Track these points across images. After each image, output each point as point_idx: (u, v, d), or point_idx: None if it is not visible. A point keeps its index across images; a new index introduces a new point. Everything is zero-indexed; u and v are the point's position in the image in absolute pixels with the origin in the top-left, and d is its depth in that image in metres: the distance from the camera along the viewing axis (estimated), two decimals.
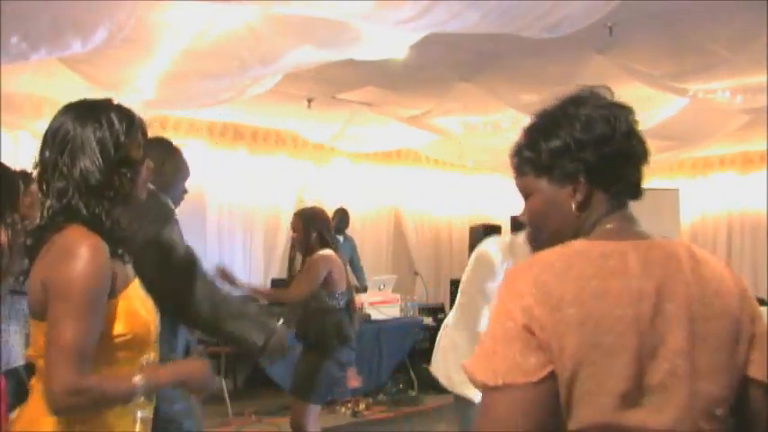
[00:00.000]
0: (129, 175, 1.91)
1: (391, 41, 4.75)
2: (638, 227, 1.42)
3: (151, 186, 2.71)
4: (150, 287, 2.05)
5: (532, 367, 1.23)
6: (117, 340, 1.88)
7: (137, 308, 1.95)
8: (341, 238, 8.03)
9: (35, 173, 1.94)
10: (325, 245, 4.64)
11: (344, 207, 8.45)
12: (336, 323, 4.57)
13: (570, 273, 1.28)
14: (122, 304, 1.92)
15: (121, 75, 5.03)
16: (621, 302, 1.26)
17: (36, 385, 1.91)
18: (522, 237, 3.54)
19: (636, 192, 1.44)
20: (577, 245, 1.35)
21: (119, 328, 1.89)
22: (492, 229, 10.08)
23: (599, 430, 1.26)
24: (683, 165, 11.15)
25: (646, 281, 1.29)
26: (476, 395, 3.51)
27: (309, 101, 7.33)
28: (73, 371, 1.77)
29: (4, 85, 4.96)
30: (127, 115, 1.94)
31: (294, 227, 4.77)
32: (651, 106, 7.03)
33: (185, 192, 3.02)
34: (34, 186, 3.13)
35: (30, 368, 2.26)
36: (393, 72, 6.27)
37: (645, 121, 7.17)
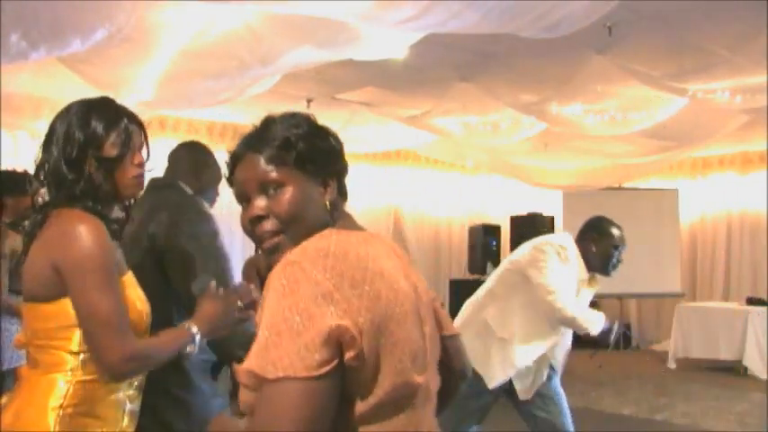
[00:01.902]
0: (102, 170, 1.95)
1: (391, 42, 4.75)
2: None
3: (189, 190, 2.73)
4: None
5: (317, 361, 1.27)
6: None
7: (132, 296, 1.99)
8: None
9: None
10: None
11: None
12: None
13: (349, 257, 1.38)
14: (125, 283, 1.98)
15: (121, 75, 5.03)
16: (396, 279, 1.42)
17: (27, 374, 1.92)
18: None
19: (346, 198, 1.67)
20: (342, 234, 1.47)
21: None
22: (491, 230, 10.10)
23: (400, 390, 1.38)
24: (682, 165, 11.17)
25: (398, 261, 1.50)
26: None
27: (309, 101, 7.33)
28: (123, 338, 1.83)
29: (3, 85, 4.97)
30: (111, 113, 1.99)
31: None
32: (651, 106, 7.04)
33: (217, 195, 3.04)
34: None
35: None
36: (392, 72, 6.28)
37: (644, 121, 7.21)
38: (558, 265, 3.42)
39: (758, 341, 9.07)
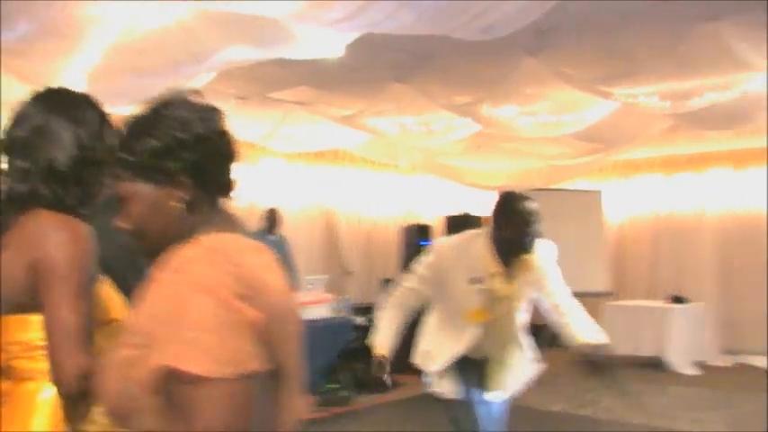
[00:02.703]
0: (96, 174, 1.88)
1: (325, 41, 4.74)
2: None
3: None
4: None
5: (248, 357, 1.28)
6: (99, 326, 1.85)
7: (113, 295, 1.94)
8: (273, 238, 7.99)
9: None
10: None
11: (276, 207, 8.39)
12: None
13: (246, 264, 1.34)
14: (101, 290, 1.90)
15: (51, 69, 4.89)
16: (284, 295, 1.40)
17: (11, 388, 1.83)
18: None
19: (228, 190, 1.51)
20: (226, 238, 1.40)
21: (101, 313, 1.87)
22: (425, 230, 10.17)
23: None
24: (611, 167, 11.42)
25: (279, 275, 1.43)
26: None
27: (240, 99, 7.25)
28: (82, 353, 1.74)
29: None
30: (103, 115, 1.95)
31: None
32: (581, 109, 7.19)
33: None
34: None
35: None
36: (327, 71, 6.26)
37: (575, 124, 7.36)
38: (421, 267, 3.45)
39: (678, 337, 9.38)
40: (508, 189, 3.57)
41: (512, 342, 3.54)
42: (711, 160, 10.75)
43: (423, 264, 3.50)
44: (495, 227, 3.33)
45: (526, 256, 3.34)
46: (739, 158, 10.53)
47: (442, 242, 3.52)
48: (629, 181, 11.61)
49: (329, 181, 10.23)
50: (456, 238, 3.52)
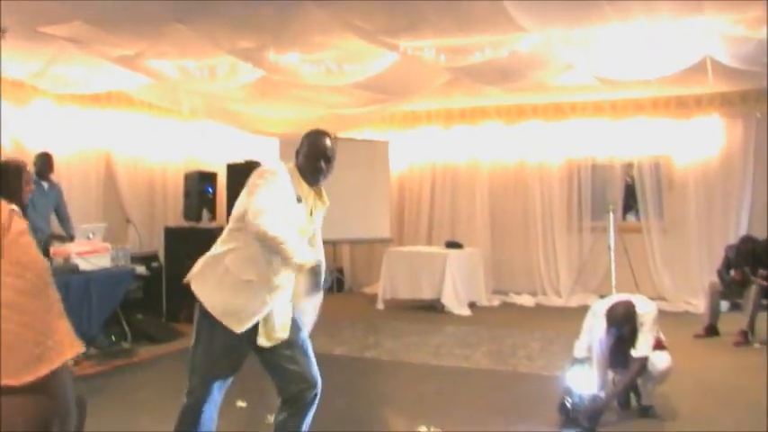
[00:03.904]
0: None
1: None
2: None
3: None
4: None
5: None
6: None
7: None
8: (45, 185, 7.49)
9: None
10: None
11: (48, 151, 7.83)
12: None
13: None
14: None
15: None
16: None
17: None
18: None
19: None
20: None
21: None
22: (208, 177, 9.96)
23: None
24: (393, 118, 11.76)
25: None
26: None
27: (3, 31, 6.62)
28: None
29: None
30: None
31: None
32: (365, 60, 7.31)
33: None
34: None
35: None
36: (103, 7, 5.88)
37: (359, 74, 7.48)
38: (263, 189, 3.42)
39: (453, 280, 9.98)
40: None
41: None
42: (485, 114, 11.38)
43: (269, 182, 3.44)
44: (297, 156, 3.62)
45: (322, 188, 3.64)
46: (509, 114, 11.25)
47: (270, 165, 3.56)
48: (411, 132, 12.01)
49: (107, 125, 9.69)
50: (276, 164, 3.59)
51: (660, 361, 5.09)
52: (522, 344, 7.83)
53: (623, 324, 5.02)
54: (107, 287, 7.26)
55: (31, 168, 6.86)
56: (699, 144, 10.31)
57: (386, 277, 10.35)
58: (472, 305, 10.23)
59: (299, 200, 3.54)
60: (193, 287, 3.54)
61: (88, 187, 9.45)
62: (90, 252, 7.09)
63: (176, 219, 10.18)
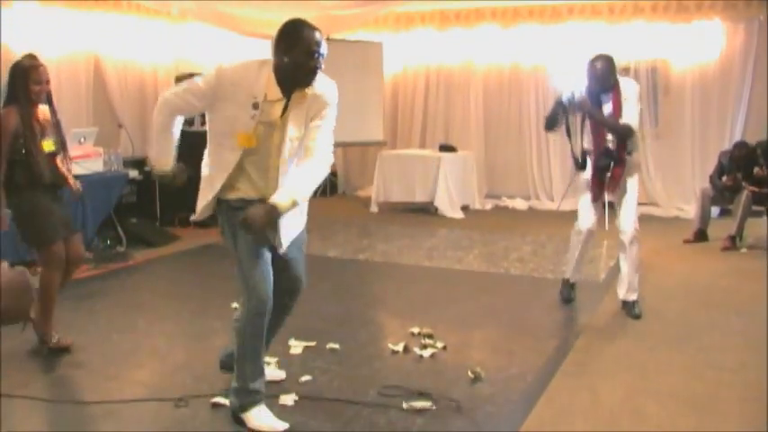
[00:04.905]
0: None
1: None
2: None
3: None
4: None
5: None
6: None
7: None
8: None
9: None
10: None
11: (34, 53, 7.65)
12: None
13: None
14: None
15: None
16: None
17: None
18: None
19: None
20: None
21: None
22: None
23: None
24: (387, 20, 11.53)
25: None
26: None
27: None
28: None
29: None
30: None
31: None
32: None
33: None
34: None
35: None
36: None
37: None
38: (187, 82, 3.44)
39: (447, 184, 10.02)
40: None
41: (275, 177, 3.39)
42: (480, 16, 11.16)
43: (203, 80, 3.37)
44: (278, 53, 3.27)
45: (306, 89, 3.30)
46: (505, 16, 11.02)
47: (227, 64, 3.38)
48: (405, 34, 11.80)
49: (94, 28, 9.46)
50: (242, 61, 3.39)
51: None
52: (514, 247, 7.93)
53: (604, 77, 5.21)
54: (101, 192, 7.27)
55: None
56: (698, 48, 10.13)
57: (379, 180, 10.38)
58: (465, 208, 10.30)
59: (256, 106, 3.26)
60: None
61: (78, 91, 9.31)
62: (82, 157, 7.07)
63: None
